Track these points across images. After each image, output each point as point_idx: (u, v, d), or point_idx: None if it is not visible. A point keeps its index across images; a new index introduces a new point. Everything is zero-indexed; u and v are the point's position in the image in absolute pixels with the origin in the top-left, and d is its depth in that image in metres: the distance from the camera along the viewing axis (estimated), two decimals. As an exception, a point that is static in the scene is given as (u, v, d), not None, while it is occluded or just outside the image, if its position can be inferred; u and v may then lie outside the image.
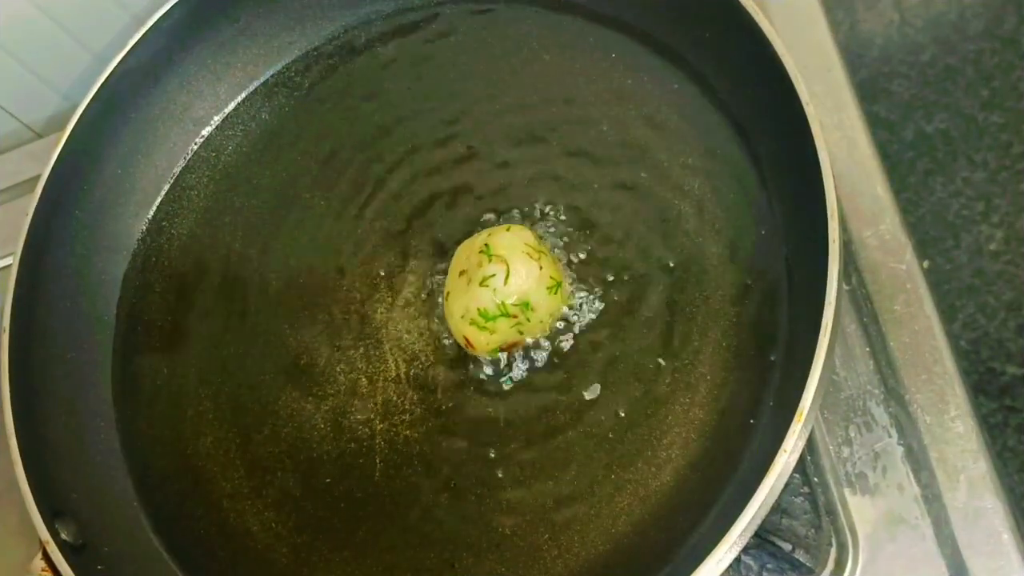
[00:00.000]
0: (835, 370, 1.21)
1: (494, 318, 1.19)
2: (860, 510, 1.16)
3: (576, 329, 1.22)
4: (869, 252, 1.26)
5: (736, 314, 1.19)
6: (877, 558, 1.15)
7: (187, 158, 1.48)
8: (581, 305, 1.23)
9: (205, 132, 1.49)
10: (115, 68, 1.40)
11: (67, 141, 1.37)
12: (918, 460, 1.17)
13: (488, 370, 1.23)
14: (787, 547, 1.16)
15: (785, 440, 1.01)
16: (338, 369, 1.29)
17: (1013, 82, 1.66)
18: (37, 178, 1.37)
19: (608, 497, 1.14)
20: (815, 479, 1.19)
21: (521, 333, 1.21)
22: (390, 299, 1.30)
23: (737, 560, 1.02)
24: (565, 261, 1.25)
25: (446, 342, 1.26)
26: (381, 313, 1.30)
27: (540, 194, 1.31)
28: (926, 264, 1.26)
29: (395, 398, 1.26)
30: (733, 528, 0.99)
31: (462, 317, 1.21)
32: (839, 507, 1.17)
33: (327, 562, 1.20)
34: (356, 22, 1.50)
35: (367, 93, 1.45)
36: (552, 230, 1.28)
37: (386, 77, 1.46)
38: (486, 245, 1.20)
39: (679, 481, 1.13)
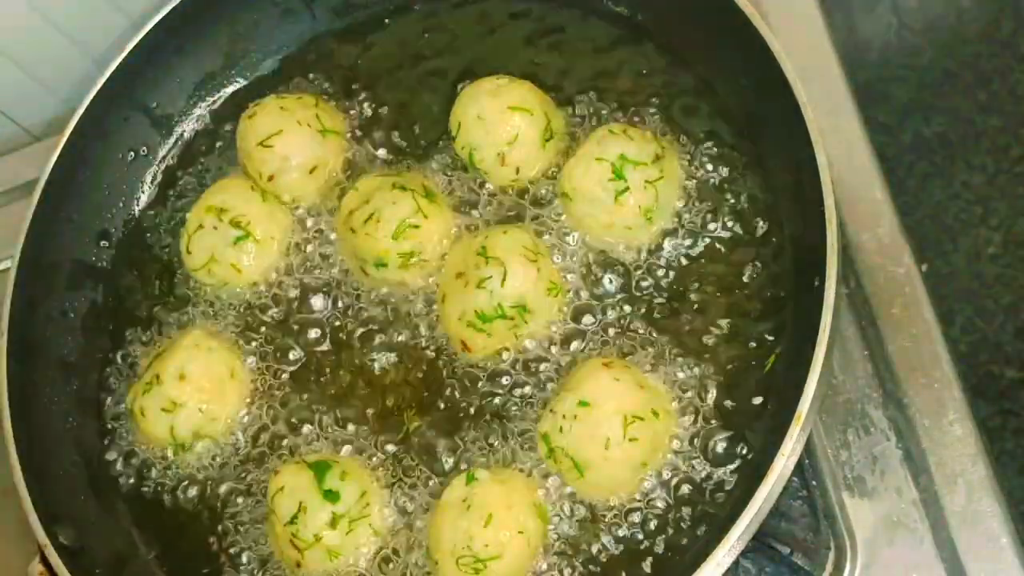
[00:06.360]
0: (833, 373, 1.22)
1: (491, 320, 1.19)
2: (858, 514, 1.16)
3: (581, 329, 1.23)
4: (867, 255, 1.27)
5: (734, 316, 1.19)
6: (875, 562, 1.15)
7: (186, 161, 1.48)
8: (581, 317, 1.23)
9: (203, 135, 1.49)
10: (113, 72, 1.40)
11: (65, 145, 1.38)
12: (916, 463, 1.17)
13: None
14: (785, 550, 1.16)
15: (783, 443, 1.01)
16: (333, 369, 1.29)
17: (1011, 85, 1.66)
18: (35, 181, 1.37)
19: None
20: (813, 482, 1.19)
21: (518, 337, 1.21)
22: (386, 301, 1.30)
23: (736, 563, 1.02)
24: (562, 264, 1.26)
25: (439, 346, 1.26)
26: (377, 316, 1.30)
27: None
28: (924, 267, 1.26)
29: (395, 401, 1.26)
30: (732, 531, 0.99)
31: (459, 319, 1.20)
32: (837, 511, 1.17)
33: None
34: (348, 19, 1.50)
35: (362, 88, 1.45)
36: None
37: (382, 71, 1.45)
38: (483, 247, 1.20)
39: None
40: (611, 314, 1.22)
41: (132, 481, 1.30)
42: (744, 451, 1.12)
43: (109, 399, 1.35)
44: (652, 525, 1.12)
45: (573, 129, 1.33)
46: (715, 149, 1.27)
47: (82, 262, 1.42)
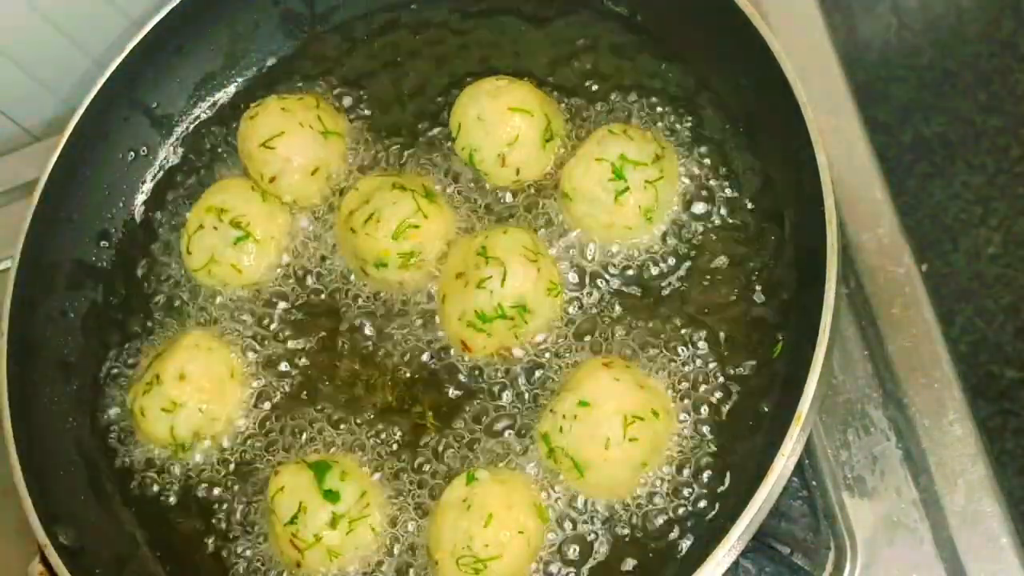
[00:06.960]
0: (833, 373, 1.22)
1: (491, 320, 1.19)
2: (858, 514, 1.16)
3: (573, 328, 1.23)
4: (867, 255, 1.27)
5: (735, 316, 1.19)
6: (875, 562, 1.15)
7: (186, 161, 1.48)
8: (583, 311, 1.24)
9: (203, 136, 1.49)
10: (113, 72, 1.40)
11: (65, 145, 1.38)
12: (916, 464, 1.17)
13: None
14: (785, 551, 1.16)
15: (783, 443, 1.01)
16: (333, 370, 1.29)
17: (1011, 85, 1.67)
18: (35, 181, 1.37)
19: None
20: (813, 482, 1.19)
21: (518, 337, 1.21)
22: (386, 301, 1.30)
23: (736, 564, 1.03)
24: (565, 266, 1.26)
25: (440, 347, 1.26)
26: (377, 317, 1.30)
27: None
28: (924, 267, 1.26)
29: (395, 401, 1.26)
30: (732, 531, 0.99)
31: (459, 319, 1.20)
32: (837, 511, 1.17)
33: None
34: (347, 18, 1.50)
35: (363, 89, 1.45)
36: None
37: (382, 71, 1.45)
38: (483, 247, 1.20)
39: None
40: (611, 314, 1.22)
41: (132, 481, 1.30)
42: (744, 451, 1.12)
43: (109, 399, 1.35)
44: (652, 525, 1.12)
45: (573, 129, 1.33)
46: (714, 149, 1.27)
47: (82, 262, 1.42)
